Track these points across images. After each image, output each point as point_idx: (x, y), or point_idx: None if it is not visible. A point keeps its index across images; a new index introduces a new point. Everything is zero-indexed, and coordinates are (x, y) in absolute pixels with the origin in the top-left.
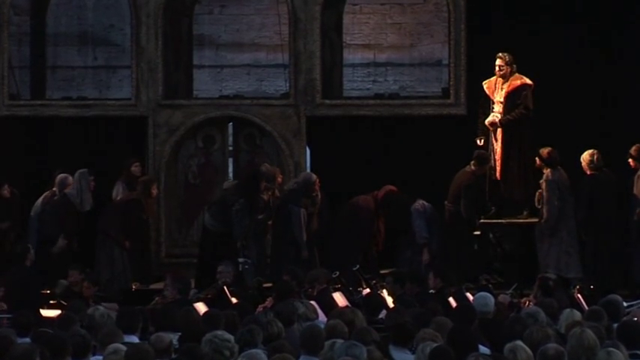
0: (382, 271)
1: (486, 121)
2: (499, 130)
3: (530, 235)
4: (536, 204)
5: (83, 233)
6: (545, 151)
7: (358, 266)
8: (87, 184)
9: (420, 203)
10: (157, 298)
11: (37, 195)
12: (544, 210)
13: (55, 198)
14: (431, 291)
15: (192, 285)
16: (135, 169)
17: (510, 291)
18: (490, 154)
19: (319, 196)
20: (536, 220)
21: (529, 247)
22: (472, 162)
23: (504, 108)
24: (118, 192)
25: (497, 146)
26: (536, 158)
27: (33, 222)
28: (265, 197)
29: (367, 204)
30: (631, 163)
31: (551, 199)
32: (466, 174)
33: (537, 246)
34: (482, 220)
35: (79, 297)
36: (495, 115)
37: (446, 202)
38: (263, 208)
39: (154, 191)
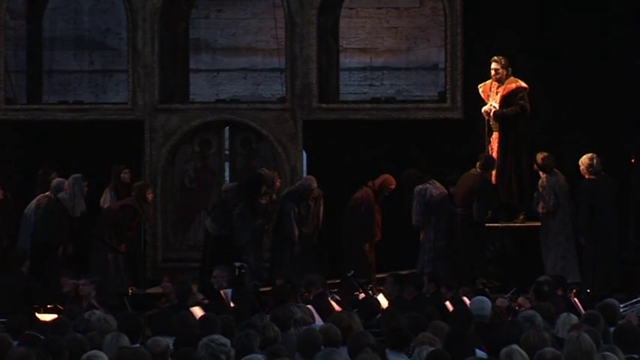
0: (378, 275)
1: (482, 109)
2: (495, 135)
3: (526, 238)
4: (534, 207)
5: (77, 238)
6: (540, 156)
7: (352, 272)
8: (80, 189)
9: (421, 187)
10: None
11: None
12: (539, 207)
13: (48, 202)
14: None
15: (195, 289)
16: (124, 175)
17: (508, 295)
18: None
19: (312, 206)
20: (531, 224)
21: (526, 251)
22: (477, 165)
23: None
24: (106, 200)
25: (494, 151)
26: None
27: (26, 224)
28: (264, 202)
29: (366, 196)
30: None
31: (546, 199)
32: (474, 177)
33: (542, 251)
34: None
35: (75, 301)
36: (493, 104)
37: (456, 207)
38: (262, 212)
39: (149, 196)
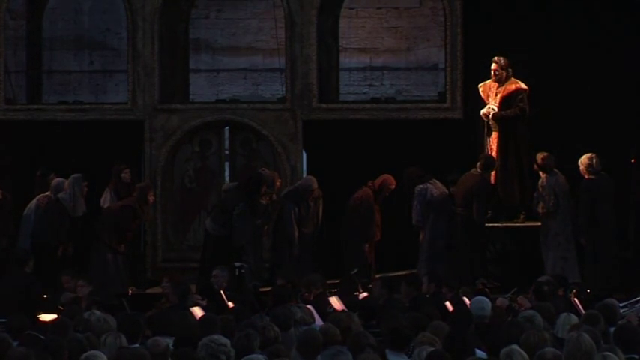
0: (378, 275)
1: (481, 112)
2: (494, 135)
3: (526, 238)
4: (534, 207)
5: (77, 238)
6: (540, 156)
7: (357, 269)
8: (80, 189)
9: (422, 187)
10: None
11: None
12: (539, 207)
13: (48, 202)
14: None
15: (194, 290)
16: (124, 175)
17: (509, 295)
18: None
19: (312, 206)
20: (531, 224)
21: (526, 251)
22: (478, 165)
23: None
24: (106, 199)
25: (493, 151)
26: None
27: (26, 224)
28: (264, 202)
29: (366, 196)
30: None
31: (546, 199)
32: (474, 177)
33: (542, 252)
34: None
35: (75, 301)
36: (492, 107)
37: (456, 207)
38: (262, 212)
39: (151, 198)
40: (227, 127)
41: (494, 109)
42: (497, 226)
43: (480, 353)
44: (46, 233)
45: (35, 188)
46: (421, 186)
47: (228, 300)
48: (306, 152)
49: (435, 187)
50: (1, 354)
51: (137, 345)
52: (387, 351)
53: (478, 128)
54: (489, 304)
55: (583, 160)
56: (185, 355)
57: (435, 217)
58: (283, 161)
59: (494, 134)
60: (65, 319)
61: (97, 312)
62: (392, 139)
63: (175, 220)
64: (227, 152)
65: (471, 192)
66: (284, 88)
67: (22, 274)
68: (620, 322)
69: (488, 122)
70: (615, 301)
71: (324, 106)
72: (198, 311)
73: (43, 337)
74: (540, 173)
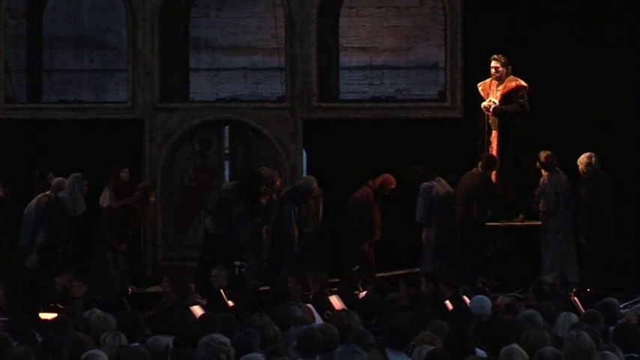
0: (378, 275)
1: (482, 105)
2: (494, 134)
3: (526, 238)
4: (534, 206)
5: (78, 237)
6: (543, 154)
7: (358, 267)
8: (80, 188)
9: (427, 184)
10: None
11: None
12: (540, 205)
13: (49, 201)
14: None
15: (194, 289)
16: (124, 175)
17: (514, 294)
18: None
19: (312, 206)
20: (531, 223)
21: (526, 250)
22: (479, 164)
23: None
24: (105, 199)
25: (494, 149)
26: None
27: (26, 223)
28: (264, 201)
29: (366, 195)
30: None
31: (548, 197)
32: (476, 177)
33: (542, 250)
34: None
35: (74, 301)
36: (493, 100)
37: (456, 206)
38: (261, 211)
39: (152, 199)
40: (227, 126)
41: (495, 102)
42: (497, 225)
43: (480, 352)
44: (46, 233)
45: (34, 187)
46: (426, 183)
47: (228, 299)
48: (306, 151)
49: (440, 186)
50: (1, 353)
51: (137, 344)
52: (387, 350)
53: (478, 127)
54: (489, 303)
55: (582, 159)
56: (185, 354)
57: (440, 216)
58: (283, 160)
59: (494, 133)
60: (65, 318)
61: (97, 311)
62: (392, 139)
63: (175, 219)
64: (227, 151)
65: (472, 191)
66: (284, 87)
67: (23, 269)
68: (620, 321)
69: (488, 120)
70: (615, 301)
71: (324, 105)
72: (198, 310)
73: (42, 337)
74: (542, 171)
